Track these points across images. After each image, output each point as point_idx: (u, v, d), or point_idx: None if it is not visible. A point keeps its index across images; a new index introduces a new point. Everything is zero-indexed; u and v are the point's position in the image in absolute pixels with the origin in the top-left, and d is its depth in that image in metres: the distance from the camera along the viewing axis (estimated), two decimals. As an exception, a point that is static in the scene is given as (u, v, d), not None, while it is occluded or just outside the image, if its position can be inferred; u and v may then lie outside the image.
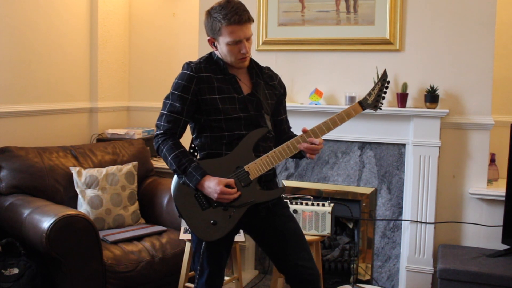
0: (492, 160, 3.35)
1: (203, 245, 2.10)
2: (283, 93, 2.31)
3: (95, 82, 4.07)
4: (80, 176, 3.22)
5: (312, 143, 2.06)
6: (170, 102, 2.09)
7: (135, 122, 4.39)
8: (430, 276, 3.21)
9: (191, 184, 2.04)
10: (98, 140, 3.97)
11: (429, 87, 3.14)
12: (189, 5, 4.13)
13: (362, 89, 3.33)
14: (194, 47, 3.94)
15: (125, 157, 3.57)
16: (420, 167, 3.18)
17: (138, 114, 4.38)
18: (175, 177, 2.12)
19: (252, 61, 2.19)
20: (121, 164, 3.45)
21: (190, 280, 2.96)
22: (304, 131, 2.10)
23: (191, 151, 2.22)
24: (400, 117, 3.24)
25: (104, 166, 3.37)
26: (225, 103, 2.09)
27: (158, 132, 2.11)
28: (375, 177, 3.38)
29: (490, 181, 3.28)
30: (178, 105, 2.07)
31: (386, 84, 2.14)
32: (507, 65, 3.42)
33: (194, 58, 3.93)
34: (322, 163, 3.48)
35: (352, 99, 3.31)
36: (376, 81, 2.16)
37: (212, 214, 2.06)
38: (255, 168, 2.06)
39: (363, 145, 3.38)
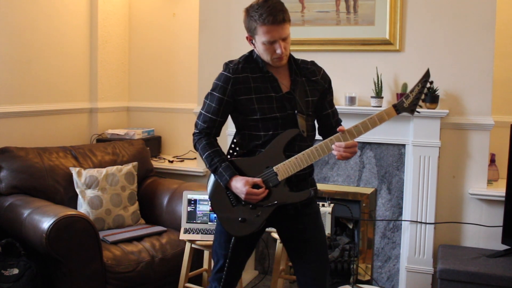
0: (492, 161, 3.35)
1: (232, 240, 2.13)
2: (328, 87, 2.24)
3: (95, 82, 4.06)
4: (80, 176, 3.22)
5: (340, 147, 2.00)
6: (207, 102, 2.13)
7: (135, 122, 4.39)
8: (430, 277, 3.21)
9: (221, 183, 2.10)
10: (98, 141, 3.97)
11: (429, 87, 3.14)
12: (189, 5, 4.13)
13: (362, 89, 3.33)
14: (194, 47, 3.94)
15: (125, 157, 3.57)
16: (420, 168, 3.18)
17: (138, 114, 4.38)
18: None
19: (291, 58, 2.16)
20: (121, 165, 3.45)
21: (190, 280, 2.96)
22: (341, 130, 2.02)
23: (233, 145, 2.22)
24: (400, 117, 3.18)
25: (104, 167, 3.37)
26: (262, 103, 2.08)
27: (195, 130, 2.17)
28: (375, 178, 3.38)
29: (490, 182, 3.28)
30: (214, 105, 2.11)
31: (427, 85, 2.03)
32: (507, 65, 3.42)
33: (194, 58, 4.01)
34: (322, 163, 3.48)
35: (352, 99, 3.30)
36: (417, 81, 2.01)
37: (241, 212, 2.10)
38: (284, 169, 2.06)
39: (363, 145, 3.37)
